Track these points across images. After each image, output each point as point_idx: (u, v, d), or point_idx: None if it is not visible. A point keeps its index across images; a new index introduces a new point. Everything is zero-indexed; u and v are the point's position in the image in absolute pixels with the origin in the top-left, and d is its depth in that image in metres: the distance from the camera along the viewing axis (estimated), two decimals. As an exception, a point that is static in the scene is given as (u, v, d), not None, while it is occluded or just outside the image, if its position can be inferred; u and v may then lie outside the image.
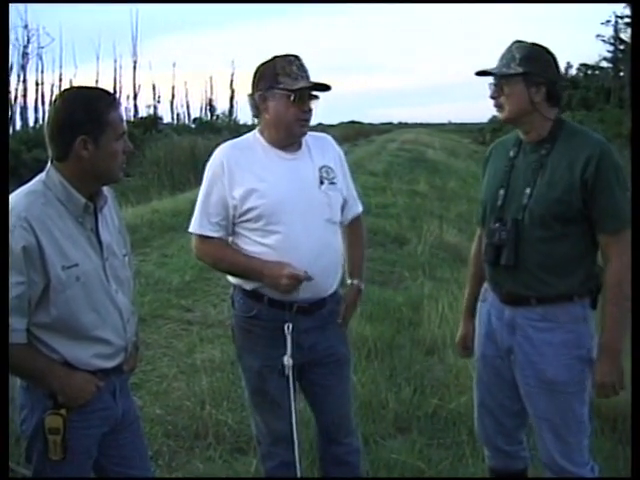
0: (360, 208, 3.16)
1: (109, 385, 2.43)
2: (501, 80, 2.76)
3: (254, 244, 2.85)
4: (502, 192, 2.84)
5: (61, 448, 2.28)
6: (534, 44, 2.78)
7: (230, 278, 3.02)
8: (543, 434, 2.87)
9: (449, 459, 3.90)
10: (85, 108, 2.27)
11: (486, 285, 3.01)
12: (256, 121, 3.01)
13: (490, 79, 2.81)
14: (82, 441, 2.35)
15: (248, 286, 2.91)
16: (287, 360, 2.85)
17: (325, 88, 2.88)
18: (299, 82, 2.82)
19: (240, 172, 2.85)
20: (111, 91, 2.47)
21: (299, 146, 2.95)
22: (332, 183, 2.94)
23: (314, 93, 2.88)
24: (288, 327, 2.84)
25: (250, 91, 2.92)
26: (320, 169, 2.93)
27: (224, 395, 4.63)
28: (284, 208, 2.81)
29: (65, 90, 2.47)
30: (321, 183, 2.91)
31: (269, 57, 2.88)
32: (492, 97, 2.81)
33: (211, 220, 2.87)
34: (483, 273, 3.02)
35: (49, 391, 2.29)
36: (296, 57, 2.86)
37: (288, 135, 2.89)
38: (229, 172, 2.85)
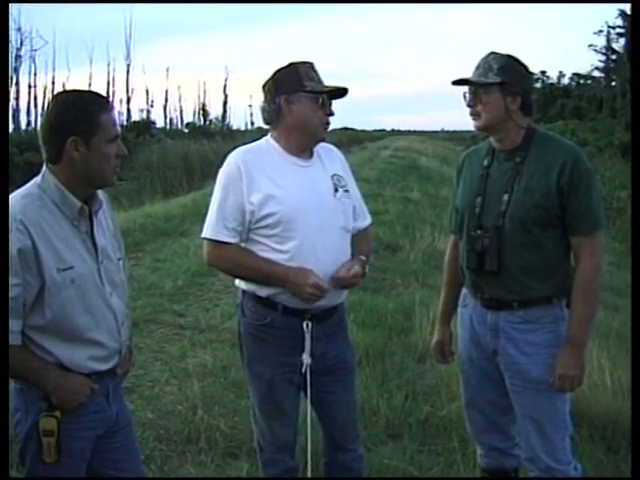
0: (368, 221, 3.13)
1: (103, 388, 2.43)
2: (478, 89, 2.84)
3: (270, 251, 2.82)
4: (479, 200, 2.91)
5: (55, 450, 2.28)
6: (509, 55, 2.87)
7: (241, 284, 2.97)
8: (528, 432, 2.93)
9: (440, 465, 3.91)
10: (76, 109, 2.29)
11: (465, 291, 3.07)
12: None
13: (465, 88, 2.89)
14: (76, 443, 2.36)
15: (262, 293, 2.87)
16: (306, 358, 2.84)
17: (344, 92, 2.92)
18: (322, 86, 2.85)
19: (258, 177, 2.82)
20: (104, 95, 2.49)
21: (312, 154, 2.96)
22: (346, 191, 2.95)
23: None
24: (307, 325, 2.83)
25: (265, 97, 2.90)
26: (332, 177, 2.94)
27: (216, 400, 4.64)
28: (302, 215, 2.80)
29: (59, 93, 2.49)
30: (336, 191, 2.92)
31: (285, 63, 2.88)
32: (469, 105, 2.89)
33: (227, 225, 2.82)
34: (457, 280, 3.11)
35: (43, 393, 2.29)
36: (312, 63, 2.89)
37: (312, 138, 2.90)
38: (248, 177, 2.81)
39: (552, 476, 2.91)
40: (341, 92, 2.91)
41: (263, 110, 2.94)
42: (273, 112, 2.88)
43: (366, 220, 3.12)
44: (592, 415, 4.30)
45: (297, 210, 2.80)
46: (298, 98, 2.83)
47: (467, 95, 2.88)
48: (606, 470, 3.83)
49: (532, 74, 2.98)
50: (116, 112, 2.51)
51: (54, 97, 2.43)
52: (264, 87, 2.91)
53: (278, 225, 2.79)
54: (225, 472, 3.82)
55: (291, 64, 2.87)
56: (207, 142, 24.32)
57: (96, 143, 2.29)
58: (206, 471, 3.83)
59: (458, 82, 2.88)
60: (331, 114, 2.90)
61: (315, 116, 2.84)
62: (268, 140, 2.97)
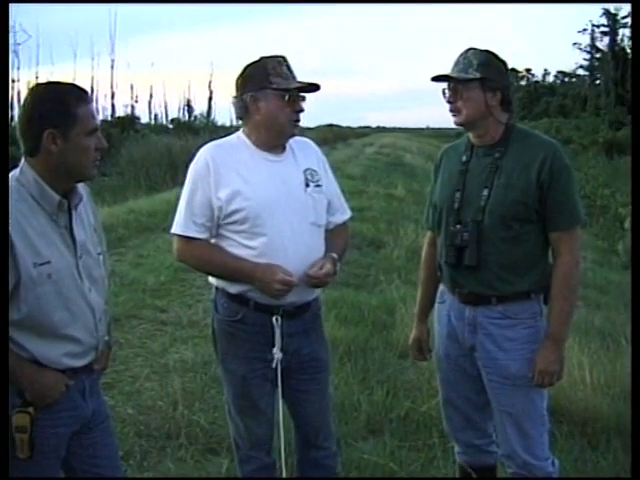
0: (347, 215, 3.11)
1: (78, 384, 2.41)
2: (458, 85, 2.82)
3: (239, 247, 2.80)
4: (458, 195, 2.90)
5: (28, 447, 2.26)
6: (488, 51, 2.86)
7: (213, 280, 2.96)
8: (506, 428, 2.93)
9: (420, 461, 3.92)
10: (53, 101, 2.26)
11: (442, 287, 3.07)
12: (235, 122, 2.99)
13: (443, 85, 2.88)
14: (50, 440, 2.34)
15: (233, 289, 2.86)
16: (277, 353, 2.82)
17: (316, 88, 2.88)
18: (290, 82, 2.81)
19: (226, 173, 2.80)
20: (84, 87, 2.45)
21: (284, 149, 2.93)
22: (318, 186, 2.92)
23: (302, 94, 2.87)
24: (277, 320, 2.81)
25: (236, 92, 2.88)
26: (305, 171, 2.91)
27: (197, 396, 4.64)
28: (270, 211, 2.78)
29: (36, 85, 2.46)
30: (307, 186, 2.89)
31: (256, 58, 2.85)
32: (449, 102, 2.87)
33: (196, 221, 2.81)
34: (435, 277, 3.11)
35: (17, 389, 2.27)
36: (284, 58, 2.85)
37: (280, 135, 2.88)
38: (215, 172, 2.80)
39: (530, 472, 2.91)
40: (312, 87, 2.88)
41: (234, 105, 2.92)
42: (241, 108, 2.87)
43: (344, 214, 3.09)
44: (572, 411, 4.32)
45: (265, 206, 2.78)
46: (264, 95, 2.80)
47: (446, 91, 2.87)
48: (586, 466, 3.85)
49: (511, 70, 2.98)
50: (97, 106, 2.48)
51: (31, 89, 2.40)
52: (236, 82, 2.89)
53: (246, 221, 2.77)
54: (205, 468, 3.82)
55: (261, 59, 2.85)
56: (192, 138, 24.20)
57: (74, 136, 2.27)
58: (186, 467, 3.83)
59: (438, 78, 2.86)
60: (300, 110, 2.87)
61: (282, 113, 2.81)
62: (239, 135, 2.95)
